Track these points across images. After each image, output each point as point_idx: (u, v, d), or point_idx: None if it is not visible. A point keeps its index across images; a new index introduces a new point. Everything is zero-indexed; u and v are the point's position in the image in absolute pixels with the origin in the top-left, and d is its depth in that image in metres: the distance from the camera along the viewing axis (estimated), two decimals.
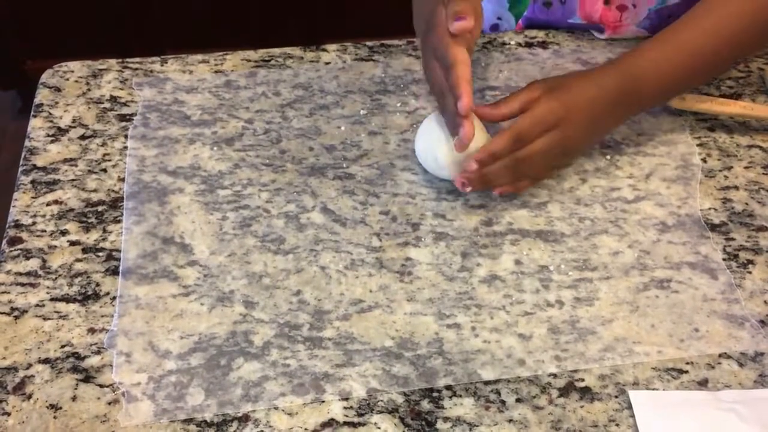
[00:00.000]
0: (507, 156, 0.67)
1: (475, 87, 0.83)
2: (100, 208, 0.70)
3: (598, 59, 0.87)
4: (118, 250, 0.67)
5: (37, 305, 0.63)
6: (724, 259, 0.67)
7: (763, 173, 0.75)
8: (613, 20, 0.88)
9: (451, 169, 0.69)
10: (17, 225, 0.69)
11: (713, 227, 0.70)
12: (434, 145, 0.70)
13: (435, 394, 0.58)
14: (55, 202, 0.71)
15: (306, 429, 0.56)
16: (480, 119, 0.70)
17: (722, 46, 0.74)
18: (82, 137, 0.77)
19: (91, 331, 0.61)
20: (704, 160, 0.76)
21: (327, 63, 0.86)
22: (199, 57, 0.86)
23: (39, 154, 0.75)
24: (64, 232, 0.68)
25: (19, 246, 0.67)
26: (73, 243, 0.67)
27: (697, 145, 0.78)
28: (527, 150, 0.67)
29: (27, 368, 0.59)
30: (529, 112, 0.68)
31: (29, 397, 0.57)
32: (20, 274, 0.65)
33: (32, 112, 0.80)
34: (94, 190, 0.72)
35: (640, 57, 0.72)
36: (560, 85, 0.70)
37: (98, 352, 0.60)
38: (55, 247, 0.67)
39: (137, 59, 0.86)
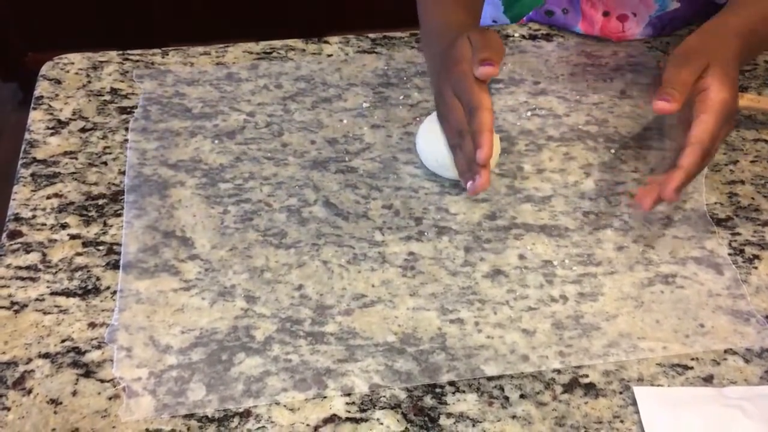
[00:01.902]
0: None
1: None
2: (100, 202, 0.70)
3: (604, 52, 0.86)
4: (119, 244, 0.66)
5: (37, 299, 0.62)
6: (729, 254, 0.67)
7: None
8: (615, 31, 0.87)
9: (454, 170, 0.69)
10: (17, 218, 0.68)
11: (719, 222, 0.70)
12: (436, 146, 0.70)
13: (438, 390, 0.57)
14: (56, 195, 0.70)
15: (308, 425, 0.55)
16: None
17: None
18: (83, 130, 0.77)
19: (92, 325, 0.61)
20: None
21: (329, 55, 0.86)
22: (201, 49, 0.86)
23: (39, 147, 0.75)
24: (64, 226, 0.68)
25: (19, 239, 0.67)
26: (73, 237, 0.67)
27: None
28: (712, 154, 0.63)
29: (27, 363, 0.58)
30: (706, 116, 0.62)
31: (29, 392, 0.57)
32: (20, 267, 0.64)
33: (32, 105, 0.79)
34: (95, 184, 0.71)
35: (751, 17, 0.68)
36: (720, 62, 0.63)
37: (99, 347, 0.59)
38: (56, 240, 0.67)
39: (138, 51, 0.85)
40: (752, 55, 0.73)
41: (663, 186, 0.61)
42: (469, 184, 0.62)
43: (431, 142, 0.71)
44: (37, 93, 0.81)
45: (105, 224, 0.68)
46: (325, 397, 0.57)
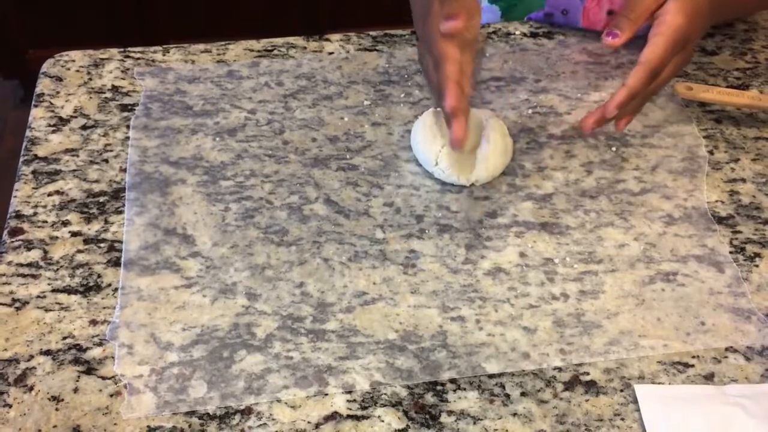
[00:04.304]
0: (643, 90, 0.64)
1: (479, 77, 0.82)
2: (101, 199, 0.70)
3: (605, 50, 0.86)
4: (120, 241, 0.66)
5: (39, 296, 0.62)
6: (730, 252, 0.67)
7: None
8: None
9: (445, 173, 0.71)
10: (18, 216, 0.68)
11: (720, 220, 0.70)
12: (426, 147, 0.71)
13: (439, 388, 0.57)
14: (57, 192, 0.70)
15: (309, 422, 0.55)
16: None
17: None
18: (84, 127, 0.77)
19: (93, 322, 0.61)
20: (711, 153, 0.76)
21: (330, 53, 0.86)
22: (201, 46, 0.86)
23: (40, 145, 0.75)
24: (65, 223, 0.68)
25: (21, 237, 0.67)
26: (74, 234, 0.67)
27: (704, 137, 0.77)
28: (660, 79, 0.64)
29: (28, 360, 0.58)
30: (657, 38, 0.63)
31: (31, 389, 0.57)
32: (21, 265, 0.64)
33: (33, 102, 0.79)
34: (96, 181, 0.71)
35: None
36: None
37: (100, 344, 0.59)
38: (57, 238, 0.67)
39: (139, 49, 0.85)
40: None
41: (606, 104, 0.61)
42: (450, 140, 0.64)
43: (422, 144, 0.72)
44: (38, 90, 0.81)
45: (106, 221, 0.68)
46: (326, 395, 0.57)
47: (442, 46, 0.63)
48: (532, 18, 0.91)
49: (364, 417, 0.56)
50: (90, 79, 0.82)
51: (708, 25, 0.70)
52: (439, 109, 0.74)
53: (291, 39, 0.87)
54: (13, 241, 0.66)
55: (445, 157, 0.70)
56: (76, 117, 0.78)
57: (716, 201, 0.71)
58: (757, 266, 0.66)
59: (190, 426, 0.55)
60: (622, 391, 0.58)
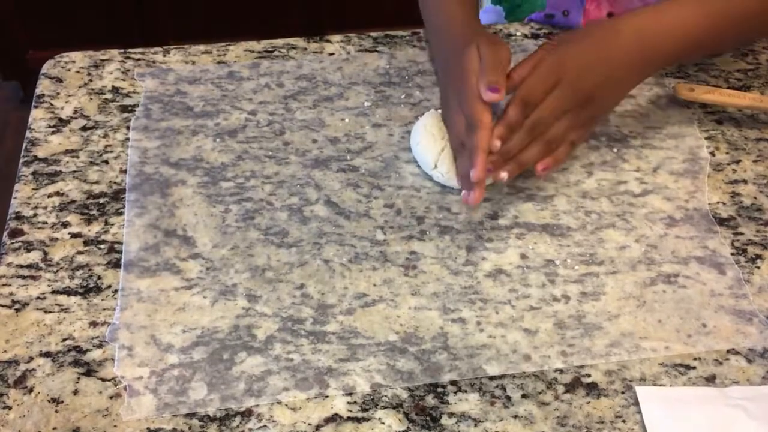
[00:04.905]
0: (521, 124, 0.65)
1: None
2: (101, 200, 0.70)
3: None
4: (120, 243, 0.66)
5: (39, 298, 0.62)
6: (732, 254, 0.67)
7: None
8: None
9: (444, 176, 0.71)
10: (18, 217, 0.68)
11: (721, 221, 0.70)
12: (426, 149, 0.71)
13: (440, 390, 0.57)
14: (57, 193, 0.70)
15: (309, 424, 0.55)
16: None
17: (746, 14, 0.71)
18: (84, 128, 0.76)
19: (93, 324, 0.61)
20: (712, 154, 0.76)
21: (331, 54, 0.86)
22: (202, 47, 0.86)
23: (40, 146, 0.74)
24: (65, 224, 0.68)
25: (21, 238, 0.66)
26: (74, 235, 0.67)
27: (705, 139, 0.77)
28: (538, 111, 0.65)
29: (28, 362, 0.58)
30: (531, 73, 0.66)
31: (30, 390, 0.57)
32: (21, 266, 0.64)
33: (33, 103, 0.79)
34: (96, 182, 0.71)
35: (661, 13, 0.70)
36: (567, 39, 0.68)
37: (100, 346, 0.59)
38: (57, 239, 0.66)
39: (139, 49, 0.85)
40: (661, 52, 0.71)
41: (491, 145, 0.64)
42: (463, 194, 0.65)
43: (422, 147, 0.72)
44: (38, 91, 0.80)
45: (106, 223, 0.68)
46: (326, 397, 0.57)
47: (479, 111, 0.64)
48: (533, 19, 0.90)
49: (364, 419, 0.56)
50: (90, 80, 0.82)
51: (629, 79, 0.71)
52: (439, 110, 0.74)
53: (291, 40, 0.87)
54: (13, 243, 0.66)
55: (445, 160, 0.70)
56: (76, 118, 0.78)
57: (717, 202, 0.71)
58: (758, 268, 0.66)
59: (190, 428, 0.55)
60: (623, 393, 0.57)
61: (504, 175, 0.65)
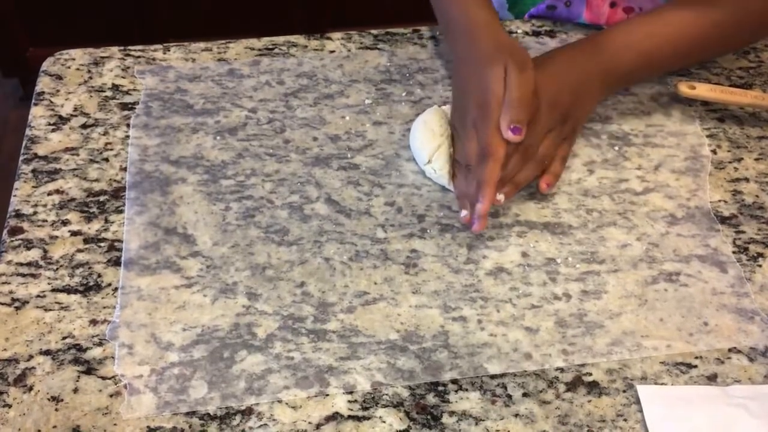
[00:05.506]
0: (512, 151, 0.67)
1: None
2: (101, 198, 0.70)
3: None
4: (120, 241, 0.66)
5: (38, 296, 0.62)
6: (734, 252, 0.67)
7: None
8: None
9: (436, 173, 0.70)
10: (18, 215, 0.68)
11: (723, 220, 0.69)
12: (422, 145, 0.71)
13: (440, 388, 0.57)
14: (57, 191, 0.70)
15: (310, 422, 0.55)
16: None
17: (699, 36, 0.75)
18: (84, 126, 0.76)
19: (93, 322, 0.60)
20: (714, 152, 0.75)
21: (331, 51, 0.85)
22: (202, 45, 0.85)
23: (40, 143, 0.74)
24: (65, 222, 0.67)
25: (20, 236, 0.66)
26: (74, 233, 0.67)
27: (707, 137, 0.77)
28: (527, 138, 0.66)
29: (28, 360, 0.58)
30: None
31: (30, 389, 0.56)
32: (21, 264, 0.64)
33: (33, 101, 0.79)
34: (96, 180, 0.71)
35: (616, 33, 0.74)
36: (537, 66, 0.69)
37: (100, 344, 0.59)
38: (57, 237, 0.66)
39: (139, 47, 0.85)
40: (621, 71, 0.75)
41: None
42: (463, 215, 0.66)
43: (420, 149, 0.72)
44: (38, 89, 0.80)
45: (106, 221, 0.68)
46: (327, 395, 0.57)
47: (495, 143, 0.65)
48: (534, 14, 0.90)
49: (365, 417, 0.55)
50: (90, 78, 0.81)
51: (589, 92, 0.73)
52: (443, 107, 0.74)
53: (292, 37, 0.87)
54: (12, 241, 0.66)
55: (440, 157, 0.70)
56: (76, 115, 0.77)
57: (719, 200, 0.71)
58: (760, 266, 0.66)
59: (190, 426, 0.55)
60: (624, 391, 0.57)
61: (501, 197, 0.67)
